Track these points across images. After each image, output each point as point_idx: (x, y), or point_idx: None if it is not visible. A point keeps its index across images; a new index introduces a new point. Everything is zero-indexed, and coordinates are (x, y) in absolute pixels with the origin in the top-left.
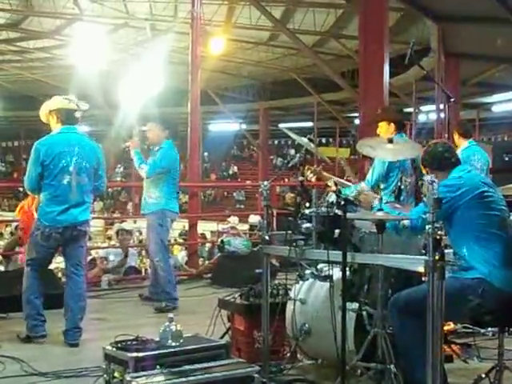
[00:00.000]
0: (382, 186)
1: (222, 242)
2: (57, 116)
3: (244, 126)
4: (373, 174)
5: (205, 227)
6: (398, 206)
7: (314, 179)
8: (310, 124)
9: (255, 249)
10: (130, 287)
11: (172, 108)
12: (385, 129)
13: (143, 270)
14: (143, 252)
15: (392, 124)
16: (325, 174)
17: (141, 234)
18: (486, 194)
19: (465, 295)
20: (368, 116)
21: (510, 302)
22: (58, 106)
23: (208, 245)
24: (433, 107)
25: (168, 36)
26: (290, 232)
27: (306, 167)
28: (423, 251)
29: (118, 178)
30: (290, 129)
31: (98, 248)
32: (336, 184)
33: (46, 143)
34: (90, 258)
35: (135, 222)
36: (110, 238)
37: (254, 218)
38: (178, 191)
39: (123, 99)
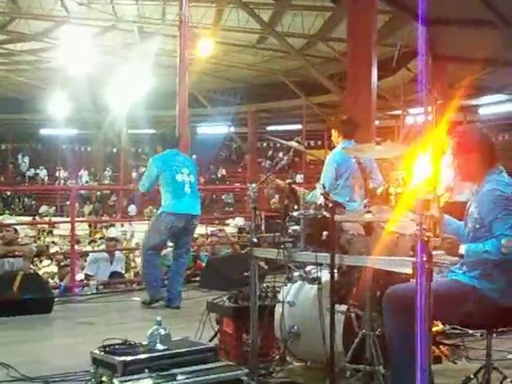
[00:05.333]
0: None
1: None
2: None
3: (232, 129)
4: (325, 177)
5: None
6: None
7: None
8: (298, 126)
9: (243, 251)
10: (117, 291)
11: (160, 111)
12: (334, 135)
13: (132, 274)
14: (131, 256)
15: (338, 132)
16: (278, 181)
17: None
18: None
19: (462, 300)
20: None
21: (501, 311)
22: None
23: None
24: (421, 110)
25: (156, 39)
26: (278, 234)
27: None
28: (411, 253)
29: (107, 181)
30: (279, 131)
31: (87, 252)
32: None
33: None
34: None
35: (122, 225)
36: (94, 241)
37: (239, 221)
38: None
39: (111, 102)
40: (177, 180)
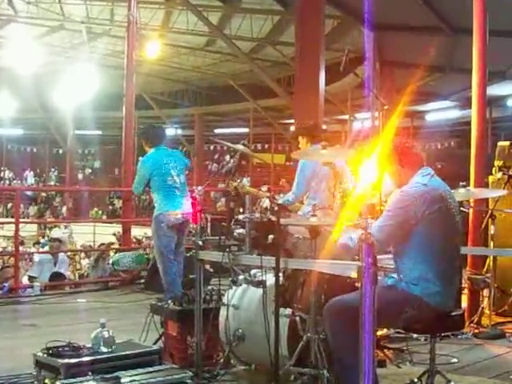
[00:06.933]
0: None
1: (112, 264)
2: None
3: (180, 132)
4: (297, 186)
5: (141, 232)
6: None
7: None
8: (245, 130)
9: (188, 254)
10: (62, 293)
11: (107, 112)
12: (301, 142)
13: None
14: (77, 257)
15: (305, 138)
16: (248, 188)
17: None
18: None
19: (401, 307)
20: (300, 125)
21: (442, 316)
22: None
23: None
24: (368, 115)
25: (104, 39)
26: (223, 237)
27: (229, 182)
28: (356, 257)
29: (52, 182)
30: (226, 134)
31: (31, 253)
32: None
33: None
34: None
35: (66, 227)
36: (38, 243)
37: None
38: None
39: (58, 102)
40: (167, 184)
